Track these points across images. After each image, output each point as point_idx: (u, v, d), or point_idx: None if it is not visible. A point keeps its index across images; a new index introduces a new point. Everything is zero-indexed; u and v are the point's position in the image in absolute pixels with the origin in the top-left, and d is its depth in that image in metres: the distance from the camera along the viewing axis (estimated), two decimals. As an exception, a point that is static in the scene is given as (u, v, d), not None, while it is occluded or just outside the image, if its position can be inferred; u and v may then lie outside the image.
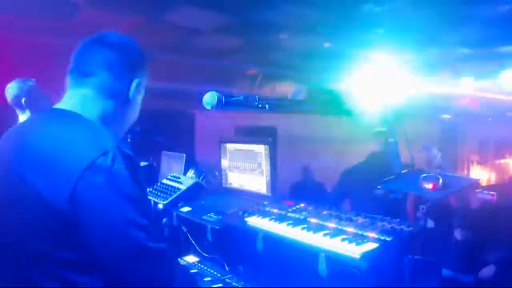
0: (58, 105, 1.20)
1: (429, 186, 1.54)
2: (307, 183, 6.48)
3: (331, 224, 1.52)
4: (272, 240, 1.59)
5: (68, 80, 1.21)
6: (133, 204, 1.02)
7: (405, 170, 1.83)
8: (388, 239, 1.34)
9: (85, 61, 1.20)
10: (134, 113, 1.31)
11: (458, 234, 4.23)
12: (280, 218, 1.66)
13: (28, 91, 2.60)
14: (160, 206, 2.21)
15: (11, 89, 2.63)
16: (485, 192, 4.97)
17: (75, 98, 1.19)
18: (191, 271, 1.85)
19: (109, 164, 1.00)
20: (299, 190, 6.53)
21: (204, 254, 2.03)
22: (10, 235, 1.05)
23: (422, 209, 1.79)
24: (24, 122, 1.21)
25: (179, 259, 2.02)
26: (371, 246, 1.31)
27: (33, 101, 2.60)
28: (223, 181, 2.37)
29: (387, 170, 1.87)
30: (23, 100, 2.58)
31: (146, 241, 1.02)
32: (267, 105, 1.61)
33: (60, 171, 1.00)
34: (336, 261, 1.34)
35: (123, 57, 1.22)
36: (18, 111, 2.66)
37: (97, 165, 1.00)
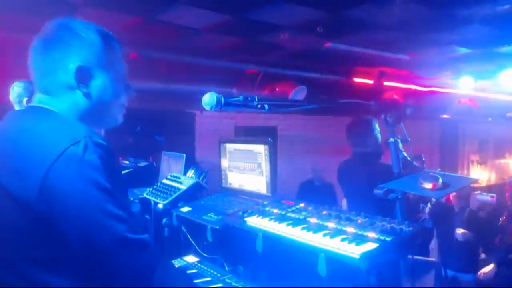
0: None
1: (429, 186, 1.54)
2: (315, 183, 6.49)
3: (331, 224, 1.52)
4: (272, 240, 1.59)
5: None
6: (107, 194, 0.97)
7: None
8: (388, 239, 1.34)
9: (30, 60, 1.16)
10: (100, 102, 1.17)
11: (458, 234, 4.23)
12: (280, 218, 1.66)
13: (31, 93, 2.70)
14: (160, 206, 2.21)
15: (16, 87, 2.79)
16: (485, 194, 4.99)
17: (38, 97, 1.17)
18: (190, 271, 1.85)
19: (81, 153, 0.95)
20: (306, 190, 6.54)
21: (204, 254, 2.03)
22: None
23: (422, 208, 1.80)
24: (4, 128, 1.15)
25: (179, 259, 2.02)
26: (371, 246, 1.31)
27: None
28: (223, 181, 2.37)
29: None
30: (24, 100, 2.70)
31: (124, 232, 0.97)
32: (267, 105, 1.61)
33: (28, 164, 0.96)
34: (336, 261, 1.34)
35: (51, 42, 1.13)
36: (16, 108, 2.75)
37: (67, 155, 0.95)
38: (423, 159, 2.48)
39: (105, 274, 0.99)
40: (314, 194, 6.18)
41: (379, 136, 2.91)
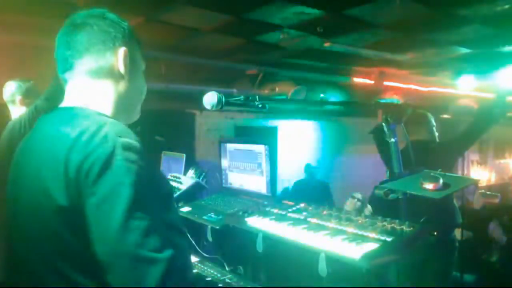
0: (61, 105, 1.15)
1: (429, 186, 1.54)
2: (311, 182, 6.52)
3: (331, 224, 1.52)
4: (272, 240, 1.59)
5: (61, 78, 1.16)
6: (127, 201, 0.89)
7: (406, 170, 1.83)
8: (388, 239, 1.34)
9: (64, 54, 1.12)
10: (136, 90, 1.19)
11: (458, 234, 4.22)
12: (280, 218, 1.66)
13: (25, 92, 2.74)
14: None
15: (9, 87, 2.78)
16: (488, 193, 4.99)
17: (72, 93, 1.13)
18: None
19: (107, 155, 0.91)
20: (302, 189, 6.57)
21: (204, 254, 2.03)
22: (34, 241, 1.01)
23: (423, 209, 1.79)
24: (34, 131, 1.15)
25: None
26: (371, 246, 1.31)
27: (28, 101, 2.71)
28: (223, 181, 2.37)
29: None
30: (18, 99, 2.71)
31: (139, 247, 0.88)
32: (267, 105, 1.61)
33: (63, 169, 0.93)
34: (336, 261, 1.33)
35: (94, 32, 1.11)
36: (10, 108, 2.79)
37: (93, 156, 0.91)
38: None
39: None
40: (309, 194, 6.24)
41: (434, 129, 3.35)
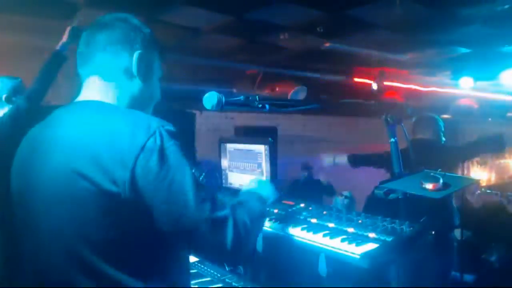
0: (77, 99, 1.18)
1: (429, 186, 1.54)
2: (307, 180, 6.54)
3: (331, 224, 1.52)
4: (272, 240, 1.59)
5: (79, 74, 1.21)
6: (190, 177, 1.02)
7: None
8: (388, 239, 1.34)
9: (84, 51, 1.19)
10: (148, 94, 1.24)
11: (458, 234, 4.23)
12: (280, 218, 1.66)
13: (11, 89, 2.69)
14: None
15: None
16: (488, 191, 4.99)
17: (86, 89, 1.18)
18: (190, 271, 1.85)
19: (159, 144, 1.01)
20: (299, 188, 6.58)
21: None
22: (62, 231, 1.03)
23: (422, 209, 1.80)
24: (53, 120, 1.16)
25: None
26: (371, 246, 1.31)
27: (15, 100, 2.67)
28: (223, 181, 2.37)
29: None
30: (3, 96, 2.67)
31: (210, 211, 1.02)
32: (267, 105, 1.61)
33: (113, 161, 0.98)
34: (336, 261, 1.34)
35: (114, 33, 1.17)
36: None
37: (149, 147, 0.99)
38: None
39: (195, 250, 1.13)
40: (306, 192, 6.27)
41: (441, 133, 3.42)
